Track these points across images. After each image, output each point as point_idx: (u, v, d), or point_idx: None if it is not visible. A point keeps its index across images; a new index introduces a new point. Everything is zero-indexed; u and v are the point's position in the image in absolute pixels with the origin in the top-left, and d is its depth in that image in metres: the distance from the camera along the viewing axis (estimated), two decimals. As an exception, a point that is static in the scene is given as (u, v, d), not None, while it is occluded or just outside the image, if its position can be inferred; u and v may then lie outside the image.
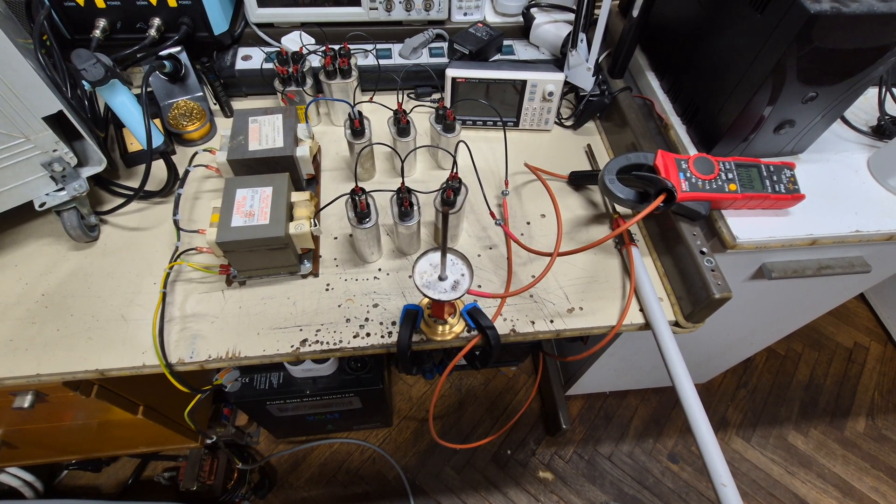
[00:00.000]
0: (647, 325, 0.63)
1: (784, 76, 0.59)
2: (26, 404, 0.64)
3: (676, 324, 0.65)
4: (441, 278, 0.52)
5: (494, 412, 1.49)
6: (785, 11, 0.55)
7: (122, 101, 0.63)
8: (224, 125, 0.83)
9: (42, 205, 0.62)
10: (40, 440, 0.87)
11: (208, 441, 1.06)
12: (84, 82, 0.61)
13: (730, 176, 0.64)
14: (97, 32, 0.73)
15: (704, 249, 0.61)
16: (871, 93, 0.83)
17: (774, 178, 0.65)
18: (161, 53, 0.75)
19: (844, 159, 0.76)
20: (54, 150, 0.59)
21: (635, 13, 0.72)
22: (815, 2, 0.53)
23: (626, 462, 1.43)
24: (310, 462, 1.38)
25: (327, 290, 0.65)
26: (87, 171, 0.64)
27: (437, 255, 0.53)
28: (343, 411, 1.17)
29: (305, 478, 1.35)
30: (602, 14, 0.72)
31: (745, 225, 0.67)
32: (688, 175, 0.62)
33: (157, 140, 0.66)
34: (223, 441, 1.20)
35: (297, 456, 1.38)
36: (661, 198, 0.58)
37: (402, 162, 0.62)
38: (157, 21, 0.74)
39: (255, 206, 0.59)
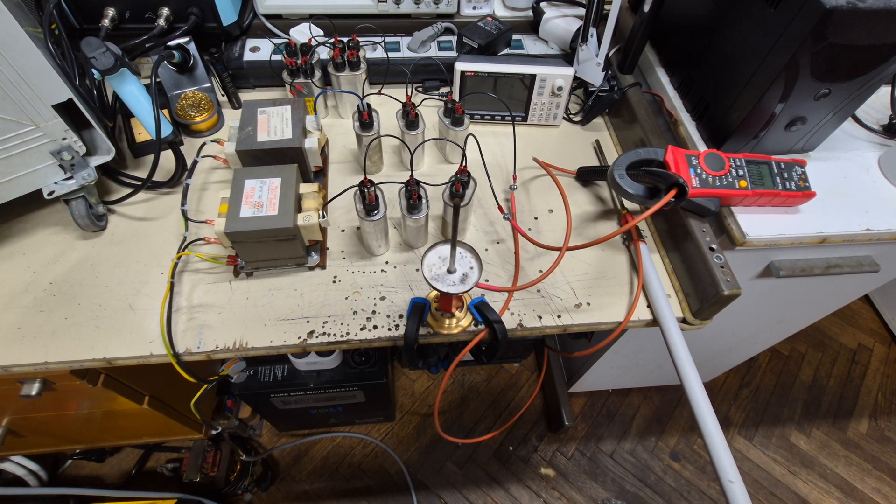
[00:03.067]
0: (655, 322, 0.63)
1: (797, 72, 0.59)
2: (34, 392, 0.64)
3: (684, 320, 0.64)
4: (450, 271, 0.52)
5: (497, 408, 1.49)
6: (800, 6, 0.54)
7: (132, 91, 0.63)
8: (232, 116, 0.83)
9: (50, 193, 0.62)
10: (45, 429, 0.87)
11: (213, 432, 1.06)
12: (93, 71, 0.61)
13: (740, 172, 0.63)
14: (106, 22, 0.73)
15: (714, 246, 0.61)
16: (883, 91, 0.83)
17: (785, 175, 0.65)
18: (170, 43, 0.75)
19: (855, 158, 0.76)
20: (63, 139, 0.59)
21: (646, 8, 0.72)
22: (831, -3, 0.52)
23: (627, 460, 1.43)
24: (312, 455, 1.38)
25: (334, 282, 0.65)
26: (96, 161, 0.64)
27: (445, 248, 0.53)
28: (346, 405, 1.17)
29: (308, 471, 1.35)
30: (613, 9, 0.71)
31: (754, 222, 0.66)
32: (698, 171, 0.62)
33: (166, 130, 0.66)
34: (227, 433, 1.20)
35: (300, 449, 1.39)
36: (673, 192, 0.58)
37: (412, 155, 0.61)
38: (165, 11, 0.74)
39: (263, 196, 0.59)
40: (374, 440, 1.41)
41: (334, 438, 1.41)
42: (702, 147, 0.73)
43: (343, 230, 0.70)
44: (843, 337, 1.70)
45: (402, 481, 1.35)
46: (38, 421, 0.83)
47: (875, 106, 0.83)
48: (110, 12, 0.73)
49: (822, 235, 0.67)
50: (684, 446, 1.45)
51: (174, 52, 0.74)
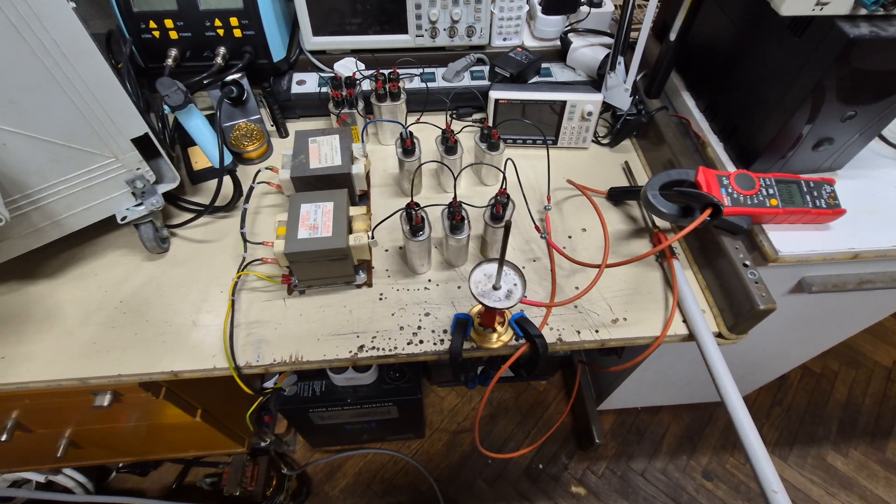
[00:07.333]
0: (691, 336, 0.65)
1: (823, 96, 0.61)
2: (105, 403, 0.68)
3: (720, 335, 0.66)
4: (495, 287, 0.56)
5: (526, 426, 1.50)
6: (823, 35, 0.58)
7: (197, 125, 0.69)
8: (279, 145, 0.89)
9: (123, 218, 0.67)
10: (102, 440, 0.91)
11: (261, 444, 1.10)
12: (165, 106, 0.67)
13: (770, 191, 0.66)
14: (169, 61, 0.79)
15: (748, 262, 0.63)
16: (908, 110, 0.84)
17: (815, 193, 0.67)
18: (226, 80, 0.81)
19: (883, 175, 0.78)
20: (138, 169, 0.65)
21: (672, 37, 0.76)
22: (854, 26, 0.55)
23: (659, 479, 1.41)
24: (345, 471, 1.40)
25: (381, 299, 0.69)
26: (163, 188, 0.70)
27: (490, 267, 0.56)
28: (380, 420, 1.20)
29: (341, 487, 1.38)
30: (640, 39, 0.75)
31: (786, 239, 0.68)
32: (729, 191, 0.65)
33: (228, 159, 0.72)
34: (271, 447, 1.23)
35: (333, 465, 1.41)
36: (708, 212, 0.61)
37: (455, 178, 0.65)
38: (222, 50, 0.81)
39: (318, 219, 0.63)
40: (404, 457, 1.42)
41: (366, 455, 1.43)
42: (730, 167, 0.76)
43: (387, 250, 0.74)
44: (878, 354, 1.67)
45: (433, 498, 1.36)
46: (97, 432, 0.87)
47: (901, 124, 0.84)
48: (173, 52, 0.80)
49: (855, 251, 0.69)
50: (717, 465, 1.44)
51: (233, 87, 0.80)
